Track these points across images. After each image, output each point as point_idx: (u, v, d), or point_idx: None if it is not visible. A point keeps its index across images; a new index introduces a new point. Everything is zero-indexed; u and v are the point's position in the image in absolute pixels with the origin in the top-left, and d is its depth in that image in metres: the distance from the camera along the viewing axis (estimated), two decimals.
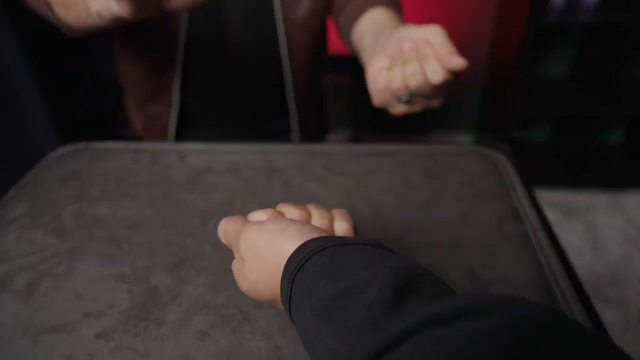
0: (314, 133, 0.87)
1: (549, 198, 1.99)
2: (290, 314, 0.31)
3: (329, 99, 0.98)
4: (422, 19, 1.85)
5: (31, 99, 1.83)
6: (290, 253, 0.31)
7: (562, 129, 2.12)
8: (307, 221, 0.36)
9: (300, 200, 0.52)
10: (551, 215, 1.91)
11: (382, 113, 0.56)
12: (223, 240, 0.38)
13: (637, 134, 2.11)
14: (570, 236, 1.82)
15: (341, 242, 0.30)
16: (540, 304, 0.23)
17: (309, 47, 0.74)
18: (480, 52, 1.95)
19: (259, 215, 0.37)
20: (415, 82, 0.42)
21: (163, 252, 0.47)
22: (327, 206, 0.51)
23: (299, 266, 0.30)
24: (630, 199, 1.99)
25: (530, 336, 0.20)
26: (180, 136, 0.81)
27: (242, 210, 0.51)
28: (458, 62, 0.40)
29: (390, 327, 0.23)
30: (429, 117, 2.06)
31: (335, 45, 0.88)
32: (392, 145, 0.62)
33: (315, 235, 0.32)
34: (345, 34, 0.67)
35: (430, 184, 0.54)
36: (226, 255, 0.46)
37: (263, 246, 0.33)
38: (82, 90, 1.97)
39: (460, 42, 1.90)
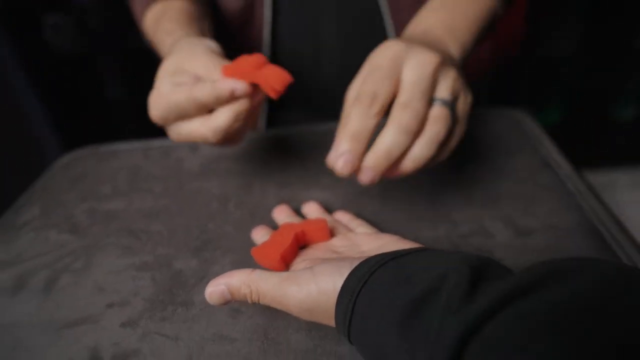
0: None
1: None
2: (349, 337, 0.28)
3: None
4: None
5: (42, 129, 1.83)
6: (339, 287, 0.28)
7: (574, 107, 2.09)
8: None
9: (320, 176, 0.50)
10: None
11: None
12: (218, 302, 0.31)
13: None
14: None
15: (391, 256, 0.28)
16: (610, 263, 0.23)
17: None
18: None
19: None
20: None
21: (184, 238, 0.44)
22: (349, 178, 0.48)
23: (359, 287, 0.27)
24: None
25: (609, 295, 0.20)
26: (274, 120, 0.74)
27: (261, 192, 0.49)
28: None
29: (470, 310, 0.22)
30: None
31: None
32: None
33: (355, 263, 0.29)
34: None
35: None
36: (250, 234, 0.43)
37: (315, 295, 0.29)
38: (91, 112, 1.97)
39: None
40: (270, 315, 0.35)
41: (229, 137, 0.40)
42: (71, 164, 0.60)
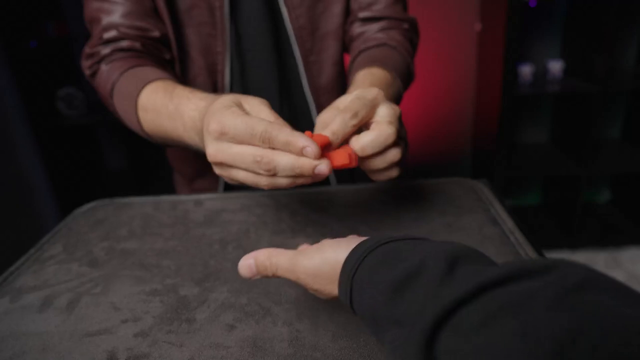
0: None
1: None
2: (352, 308, 0.35)
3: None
4: (410, 98, 2.02)
5: (42, 194, 1.92)
6: (343, 260, 0.36)
7: (551, 192, 2.22)
8: None
9: (306, 226, 0.59)
10: None
11: None
12: (247, 274, 0.41)
13: (622, 191, 2.22)
14: None
15: (385, 240, 0.35)
16: (580, 266, 0.26)
17: None
18: (465, 126, 2.11)
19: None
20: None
21: (189, 271, 0.52)
22: (330, 228, 0.58)
23: (357, 265, 0.34)
24: (627, 254, 2.05)
25: (572, 288, 0.24)
26: None
27: (256, 237, 0.58)
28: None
29: (447, 294, 0.26)
30: None
31: None
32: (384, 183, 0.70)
33: (358, 241, 0.37)
34: None
35: (418, 205, 0.61)
36: None
37: (319, 263, 0.37)
38: (91, 183, 2.07)
39: (446, 117, 2.07)
40: (259, 330, 0.43)
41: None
42: (91, 211, 0.69)
